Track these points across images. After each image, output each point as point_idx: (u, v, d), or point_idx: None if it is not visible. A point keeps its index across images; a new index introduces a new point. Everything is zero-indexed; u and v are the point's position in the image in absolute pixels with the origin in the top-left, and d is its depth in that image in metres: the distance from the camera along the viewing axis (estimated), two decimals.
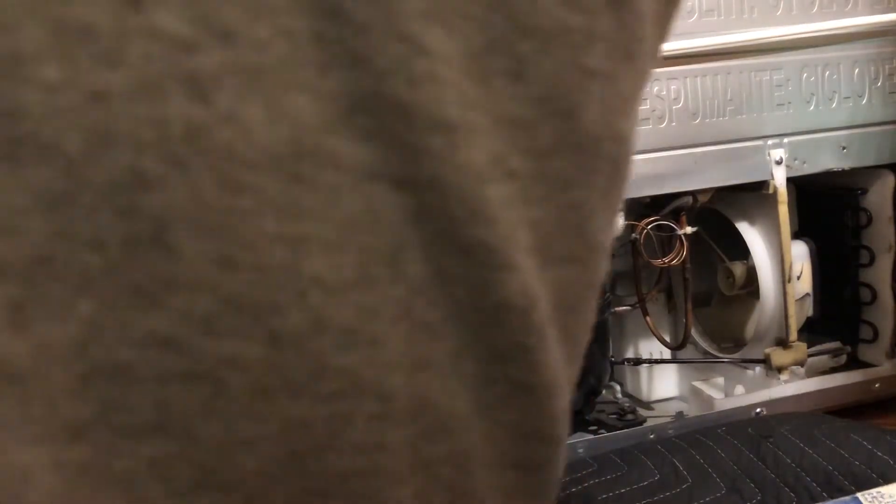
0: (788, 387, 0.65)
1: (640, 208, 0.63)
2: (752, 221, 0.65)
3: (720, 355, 0.69)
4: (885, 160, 0.65)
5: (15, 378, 0.14)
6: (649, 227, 0.62)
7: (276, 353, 0.16)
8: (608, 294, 0.63)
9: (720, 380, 0.70)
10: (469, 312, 0.18)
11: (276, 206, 0.15)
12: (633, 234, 0.62)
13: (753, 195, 0.63)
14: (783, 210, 0.62)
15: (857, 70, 0.64)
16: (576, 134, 0.18)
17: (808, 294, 0.66)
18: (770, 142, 0.62)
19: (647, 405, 0.69)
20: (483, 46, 0.17)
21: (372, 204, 0.16)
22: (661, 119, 0.59)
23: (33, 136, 0.13)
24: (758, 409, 0.64)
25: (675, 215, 0.62)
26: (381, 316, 0.17)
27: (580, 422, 0.63)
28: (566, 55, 0.18)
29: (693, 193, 0.61)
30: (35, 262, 0.14)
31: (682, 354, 0.69)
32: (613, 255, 0.61)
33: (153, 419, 0.15)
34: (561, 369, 0.20)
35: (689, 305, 0.65)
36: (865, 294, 0.67)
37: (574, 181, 0.19)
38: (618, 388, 0.71)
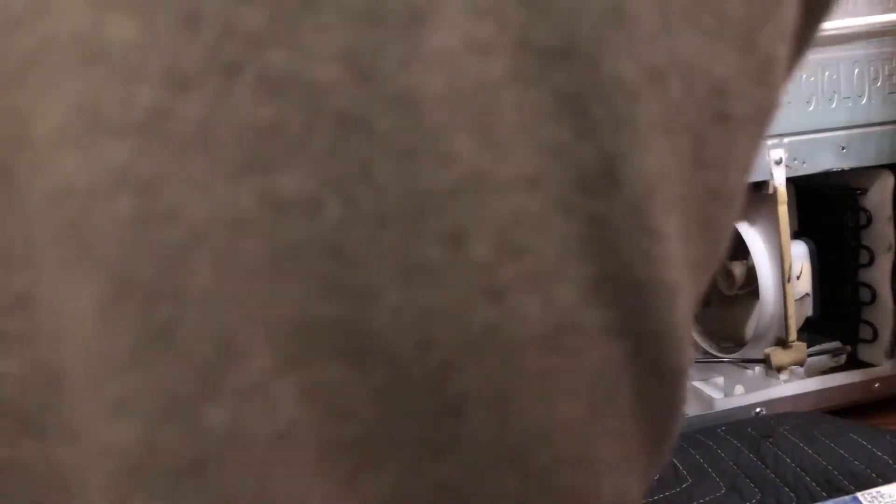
0: (788, 387, 0.65)
1: None
2: (751, 221, 0.65)
3: (720, 355, 0.69)
4: (885, 160, 0.65)
5: None
6: None
7: (523, 485, 0.19)
8: None
9: (720, 380, 0.70)
10: (655, 415, 0.21)
11: (539, 373, 0.18)
12: None
13: (753, 195, 0.63)
14: (783, 210, 0.62)
15: (856, 70, 0.64)
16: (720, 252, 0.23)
17: (807, 294, 0.66)
18: (769, 142, 0.62)
19: None
20: (689, 216, 0.20)
21: (602, 355, 0.19)
22: None
23: (378, 346, 0.17)
24: (757, 409, 0.64)
25: None
26: (599, 441, 0.20)
27: None
28: (737, 207, 0.22)
29: None
30: (365, 439, 0.18)
31: None
32: None
33: None
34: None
35: None
36: (865, 294, 0.68)
37: (710, 268, 0.22)
38: None
